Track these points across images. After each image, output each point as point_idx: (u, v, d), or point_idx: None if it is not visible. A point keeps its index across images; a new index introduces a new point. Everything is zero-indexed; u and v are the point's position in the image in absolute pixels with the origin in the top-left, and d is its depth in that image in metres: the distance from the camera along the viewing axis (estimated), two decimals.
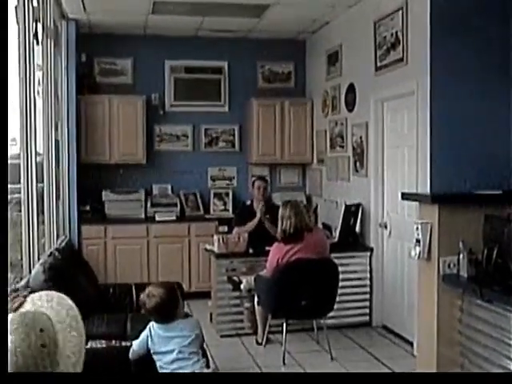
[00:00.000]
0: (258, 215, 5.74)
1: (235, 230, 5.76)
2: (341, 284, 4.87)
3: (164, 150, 7.21)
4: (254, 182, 6.05)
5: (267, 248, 4.99)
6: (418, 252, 3.88)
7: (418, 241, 3.87)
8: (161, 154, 7.20)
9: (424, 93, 4.53)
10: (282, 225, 4.71)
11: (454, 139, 4.40)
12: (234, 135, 7.35)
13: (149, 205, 6.89)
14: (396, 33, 5.05)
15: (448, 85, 4.39)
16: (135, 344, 3.11)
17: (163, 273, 6.55)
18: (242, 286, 5.25)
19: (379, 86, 5.43)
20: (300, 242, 4.66)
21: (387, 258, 5.59)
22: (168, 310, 3.02)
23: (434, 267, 3.83)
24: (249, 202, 6.11)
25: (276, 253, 4.71)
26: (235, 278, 5.36)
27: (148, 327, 3.08)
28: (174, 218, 6.81)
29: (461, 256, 3.75)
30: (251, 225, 5.72)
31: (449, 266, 3.80)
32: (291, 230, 4.66)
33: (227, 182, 7.35)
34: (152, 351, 3.05)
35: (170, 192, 7.13)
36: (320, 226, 6.41)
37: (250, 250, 5.49)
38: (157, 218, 6.76)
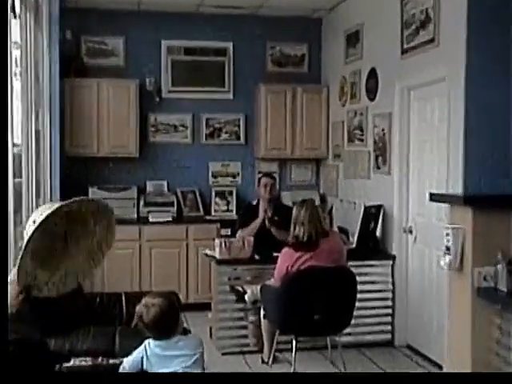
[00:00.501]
0: (261, 215, 5.75)
1: (239, 233, 5.78)
2: (359, 296, 4.86)
3: (159, 141, 7.21)
4: (260, 179, 6.06)
5: (275, 254, 4.98)
6: (448, 261, 3.90)
7: (448, 248, 3.89)
8: (156, 147, 7.20)
9: (457, 79, 4.50)
10: (295, 230, 4.71)
11: (491, 132, 4.36)
12: (239, 126, 7.34)
13: (142, 204, 6.91)
14: (426, 10, 5.02)
15: (485, 71, 4.34)
16: (126, 362, 3.08)
17: (157, 281, 6.58)
18: (246, 297, 5.25)
19: (405, 71, 5.42)
20: (313, 248, 4.64)
21: (412, 267, 5.57)
22: (168, 323, 3.02)
23: (467, 279, 3.83)
24: (255, 202, 6.10)
25: (285, 259, 4.70)
26: (239, 288, 5.36)
27: (143, 345, 3.06)
28: (170, 219, 6.83)
29: (499, 267, 3.74)
30: (253, 227, 5.74)
31: (485, 278, 3.79)
32: (304, 238, 4.67)
33: (231, 178, 7.36)
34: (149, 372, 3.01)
35: (165, 190, 7.15)
36: (335, 229, 6.42)
37: (256, 256, 5.49)
38: (150, 219, 6.78)
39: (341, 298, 4.69)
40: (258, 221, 5.77)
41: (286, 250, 4.73)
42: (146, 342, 3.05)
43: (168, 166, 7.19)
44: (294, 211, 4.78)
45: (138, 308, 3.04)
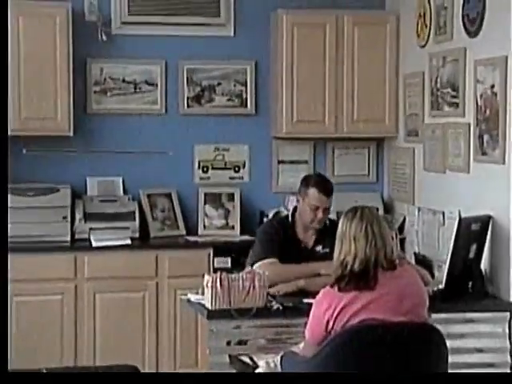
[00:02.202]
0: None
1: (258, 265, 5.79)
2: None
3: (109, 110, 7.38)
4: (305, 191, 5.88)
5: (307, 300, 5.03)
6: None
7: None
8: (103, 119, 7.38)
9: None
10: (341, 254, 4.65)
11: None
12: (244, 83, 7.51)
13: (79, 216, 7.03)
14: None
15: None
16: None
17: (106, 348, 6.70)
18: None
19: None
20: (372, 287, 4.59)
21: None
22: None
23: None
24: (287, 214, 6.14)
25: (324, 309, 4.62)
26: (245, 359, 5.34)
27: None
28: (129, 241, 7.00)
29: None
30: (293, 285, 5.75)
31: None
32: (356, 267, 4.60)
33: (231, 172, 7.52)
34: None
35: (120, 192, 7.35)
36: (411, 259, 6.49)
37: (275, 305, 5.46)
38: (95, 243, 6.91)
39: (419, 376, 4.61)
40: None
41: (325, 291, 4.66)
42: None
43: (124, 153, 7.25)
44: (341, 224, 4.72)
45: None
